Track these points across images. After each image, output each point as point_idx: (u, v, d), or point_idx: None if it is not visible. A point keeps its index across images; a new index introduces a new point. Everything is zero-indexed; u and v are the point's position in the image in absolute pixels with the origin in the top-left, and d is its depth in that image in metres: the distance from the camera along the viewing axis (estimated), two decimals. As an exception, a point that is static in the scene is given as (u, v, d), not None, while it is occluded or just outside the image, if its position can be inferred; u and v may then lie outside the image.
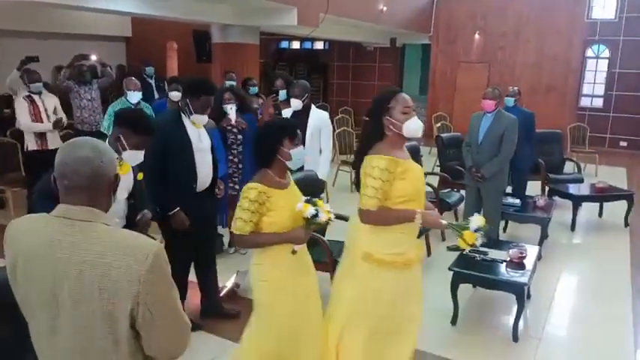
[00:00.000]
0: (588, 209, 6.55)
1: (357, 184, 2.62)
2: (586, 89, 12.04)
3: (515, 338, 3.50)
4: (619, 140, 11.79)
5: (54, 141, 5.40)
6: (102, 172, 1.36)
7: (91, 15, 10.27)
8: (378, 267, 2.44)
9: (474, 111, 5.08)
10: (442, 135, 7.05)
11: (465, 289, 3.78)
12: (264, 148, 2.45)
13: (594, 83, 11.95)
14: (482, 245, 2.61)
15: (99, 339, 1.33)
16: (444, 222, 2.49)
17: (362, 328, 2.53)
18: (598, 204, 6.41)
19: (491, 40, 12.61)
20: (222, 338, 3.40)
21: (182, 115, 3.26)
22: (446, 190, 5.89)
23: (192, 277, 3.53)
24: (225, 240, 4.88)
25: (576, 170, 7.24)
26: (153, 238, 1.57)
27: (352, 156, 7.86)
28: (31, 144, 5.36)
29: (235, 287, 4.01)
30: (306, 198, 2.47)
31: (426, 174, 2.88)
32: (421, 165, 2.99)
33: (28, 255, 1.35)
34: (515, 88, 6.24)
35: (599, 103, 11.94)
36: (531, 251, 3.91)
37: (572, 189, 6.29)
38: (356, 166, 2.56)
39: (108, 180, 1.39)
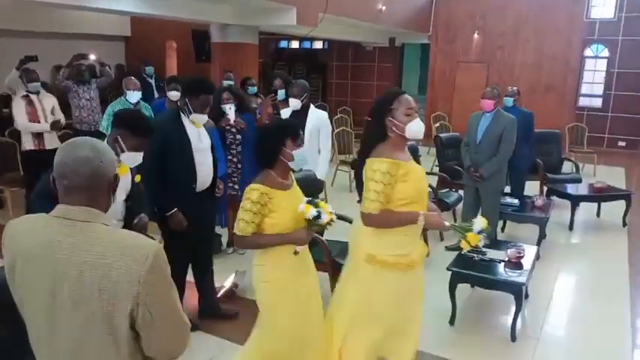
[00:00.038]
0: (586, 209, 6.57)
1: (357, 183, 2.62)
2: (585, 89, 12.04)
3: (514, 338, 3.51)
4: (617, 140, 11.80)
5: (51, 141, 5.40)
6: (101, 172, 1.36)
7: (90, 14, 10.27)
8: (381, 268, 2.45)
9: (472, 111, 5.08)
10: (441, 135, 7.05)
11: (463, 289, 3.78)
12: (266, 148, 2.45)
13: (593, 83, 11.95)
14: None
15: (98, 340, 1.33)
16: (447, 223, 2.50)
17: (365, 330, 2.54)
18: (596, 204, 6.41)
19: (491, 40, 12.61)
20: (220, 338, 3.40)
21: (181, 114, 3.25)
22: (444, 190, 5.90)
23: (189, 277, 3.53)
24: (224, 240, 4.89)
25: (574, 170, 7.24)
26: (152, 238, 1.58)
27: (351, 156, 7.91)
28: (28, 144, 5.36)
29: (234, 287, 4.01)
30: (308, 199, 2.47)
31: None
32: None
33: (27, 255, 1.35)
34: (515, 88, 6.24)
35: (597, 102, 11.93)
36: (529, 251, 3.91)
37: (571, 189, 6.31)
38: (356, 166, 2.56)
39: (107, 180, 1.39)
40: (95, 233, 1.32)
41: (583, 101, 12.06)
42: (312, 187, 3.56)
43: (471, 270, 3.65)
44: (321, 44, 14.67)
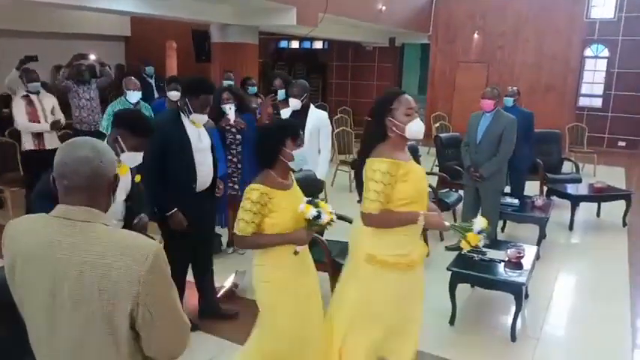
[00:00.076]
0: (586, 209, 6.57)
1: (357, 183, 2.62)
2: (585, 89, 12.04)
3: (514, 338, 3.51)
4: (617, 140, 11.80)
5: (51, 141, 5.40)
6: (101, 172, 1.36)
7: (90, 14, 10.27)
8: (382, 268, 2.45)
9: (472, 111, 5.08)
10: (441, 135, 7.05)
11: (463, 289, 3.78)
12: (266, 148, 2.45)
13: (593, 83, 11.95)
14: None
15: (98, 340, 1.33)
16: (447, 224, 2.50)
17: (365, 330, 2.54)
18: (596, 204, 6.41)
19: (491, 40, 12.61)
20: (220, 338, 3.40)
21: (181, 114, 3.25)
22: (444, 190, 5.90)
23: (189, 277, 3.53)
24: (224, 240, 4.89)
25: (574, 170, 7.24)
26: (152, 238, 1.58)
27: (351, 156, 7.91)
28: (28, 144, 5.36)
29: (234, 287, 4.01)
30: (308, 199, 2.47)
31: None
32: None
33: (26, 255, 1.35)
34: (515, 88, 6.24)
35: (597, 102, 11.93)
36: (529, 251, 3.91)
37: (571, 189, 6.31)
38: (356, 166, 2.57)
39: (107, 180, 1.39)
40: (95, 233, 1.32)
41: (583, 101, 12.06)
42: (312, 187, 3.56)
43: (471, 270, 3.65)
44: (321, 44, 14.67)
